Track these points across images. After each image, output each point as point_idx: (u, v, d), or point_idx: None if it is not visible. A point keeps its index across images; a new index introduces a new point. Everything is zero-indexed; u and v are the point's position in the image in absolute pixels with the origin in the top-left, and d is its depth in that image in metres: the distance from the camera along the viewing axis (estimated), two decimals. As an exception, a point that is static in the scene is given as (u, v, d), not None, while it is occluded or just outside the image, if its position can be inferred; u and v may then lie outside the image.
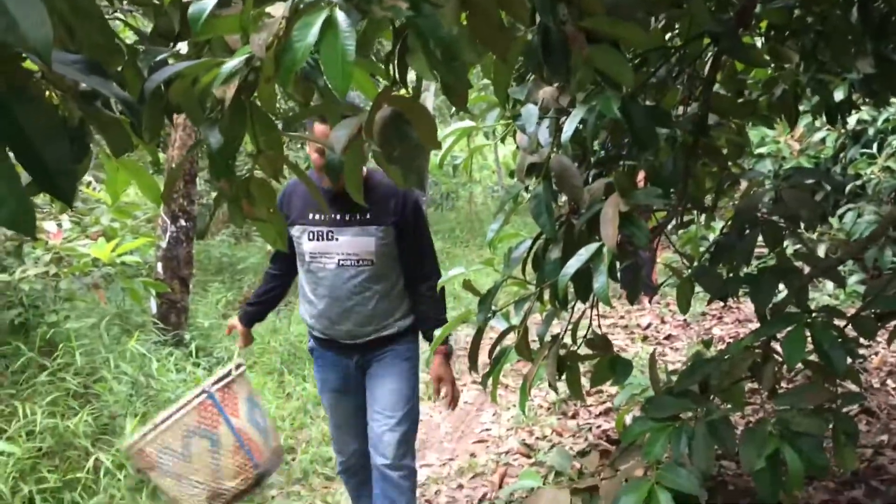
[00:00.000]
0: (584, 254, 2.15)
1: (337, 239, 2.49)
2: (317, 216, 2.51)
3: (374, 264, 2.51)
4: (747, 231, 2.51)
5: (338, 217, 2.49)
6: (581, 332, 2.74)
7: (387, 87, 1.40)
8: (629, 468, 2.71)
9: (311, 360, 2.82)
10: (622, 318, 6.23)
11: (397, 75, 1.73)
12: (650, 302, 6.38)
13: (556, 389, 2.68)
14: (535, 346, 2.63)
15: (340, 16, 1.07)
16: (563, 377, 2.76)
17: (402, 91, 1.58)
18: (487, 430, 3.94)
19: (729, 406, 2.36)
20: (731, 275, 2.57)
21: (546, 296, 2.49)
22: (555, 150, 2.33)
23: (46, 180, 1.02)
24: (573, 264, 2.18)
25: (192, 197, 4.86)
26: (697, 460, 2.26)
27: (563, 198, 2.43)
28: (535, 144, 2.26)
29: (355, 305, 2.53)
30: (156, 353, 3.87)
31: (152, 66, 1.44)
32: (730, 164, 2.80)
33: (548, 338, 2.64)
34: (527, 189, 2.38)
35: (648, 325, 5.90)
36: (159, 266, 4.81)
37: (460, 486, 3.27)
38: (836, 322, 2.22)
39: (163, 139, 5.54)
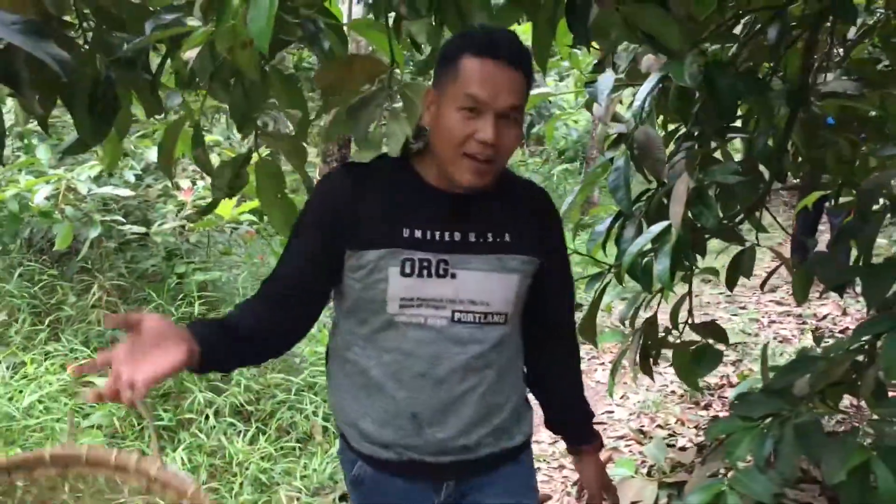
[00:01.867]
0: (650, 233, 2.00)
1: (454, 276, 1.35)
2: (418, 233, 1.35)
3: (507, 322, 1.42)
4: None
5: (458, 237, 1.37)
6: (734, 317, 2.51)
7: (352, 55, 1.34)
8: (711, 467, 2.50)
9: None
10: (798, 306, 5.75)
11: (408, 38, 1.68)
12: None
13: (651, 375, 2.53)
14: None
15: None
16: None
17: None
18: (610, 412, 3.79)
19: (820, 410, 2.11)
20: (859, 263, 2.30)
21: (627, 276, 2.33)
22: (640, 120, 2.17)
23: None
24: (638, 243, 2.03)
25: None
26: (781, 465, 2.05)
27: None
28: (609, 115, 2.12)
29: (467, 393, 1.40)
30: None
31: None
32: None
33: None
34: (611, 161, 2.24)
35: (825, 317, 5.40)
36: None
37: (561, 467, 3.18)
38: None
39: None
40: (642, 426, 3.55)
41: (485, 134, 1.25)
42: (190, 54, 1.35)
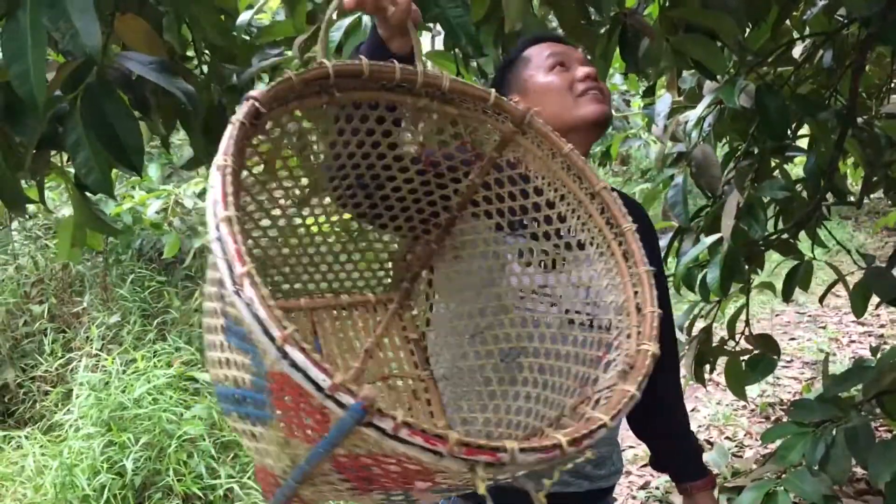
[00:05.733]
0: (702, 244, 2.15)
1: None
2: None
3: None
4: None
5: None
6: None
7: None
8: (767, 470, 2.59)
9: None
10: (883, 326, 5.68)
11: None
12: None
13: (703, 383, 2.64)
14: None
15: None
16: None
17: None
18: (680, 423, 3.88)
19: (869, 416, 2.19)
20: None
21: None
22: (701, 139, 2.32)
23: (122, 155, 1.32)
24: (691, 254, 2.18)
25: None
26: (832, 468, 2.15)
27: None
28: (668, 135, 2.27)
29: None
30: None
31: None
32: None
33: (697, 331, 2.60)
34: (671, 178, 2.38)
35: (909, 336, 5.33)
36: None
37: (628, 473, 3.30)
38: None
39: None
40: (711, 438, 3.64)
41: (583, 70, 1.26)
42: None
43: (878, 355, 2.74)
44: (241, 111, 0.70)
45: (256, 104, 0.71)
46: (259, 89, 0.72)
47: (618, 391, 0.81)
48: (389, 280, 1.08)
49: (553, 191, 0.94)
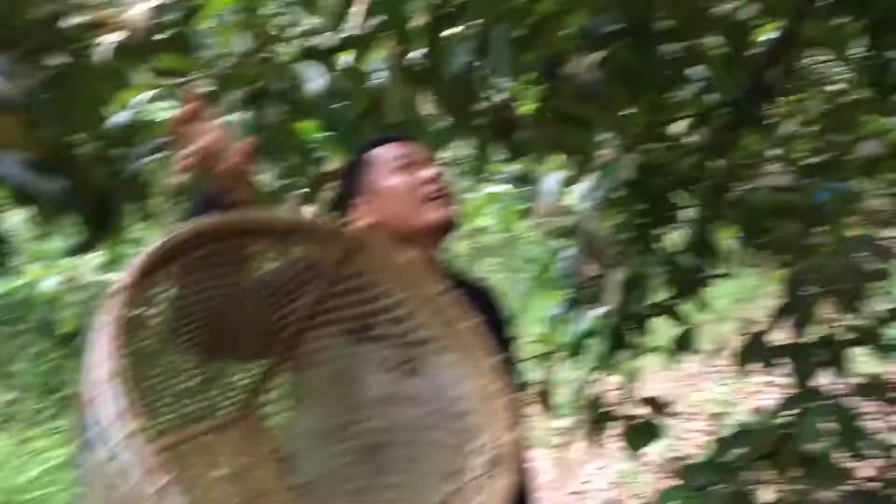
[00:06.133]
0: (590, 318, 2.23)
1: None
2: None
3: None
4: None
5: None
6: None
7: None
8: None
9: None
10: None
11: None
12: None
13: (599, 446, 2.71)
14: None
15: None
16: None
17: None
18: (588, 482, 3.94)
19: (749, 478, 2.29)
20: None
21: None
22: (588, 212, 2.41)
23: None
24: (581, 327, 2.26)
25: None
26: (713, 532, 2.23)
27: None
28: (551, 210, 2.36)
29: None
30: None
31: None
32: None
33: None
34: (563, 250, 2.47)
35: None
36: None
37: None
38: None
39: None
40: (620, 497, 3.71)
41: (427, 173, 1.22)
42: (173, 180, 1.62)
43: (758, 418, 2.87)
44: (112, 310, 0.70)
45: (125, 296, 0.72)
46: (120, 279, 0.73)
47: (498, 479, 0.89)
48: (243, 397, 1.10)
49: (397, 295, 1.01)
